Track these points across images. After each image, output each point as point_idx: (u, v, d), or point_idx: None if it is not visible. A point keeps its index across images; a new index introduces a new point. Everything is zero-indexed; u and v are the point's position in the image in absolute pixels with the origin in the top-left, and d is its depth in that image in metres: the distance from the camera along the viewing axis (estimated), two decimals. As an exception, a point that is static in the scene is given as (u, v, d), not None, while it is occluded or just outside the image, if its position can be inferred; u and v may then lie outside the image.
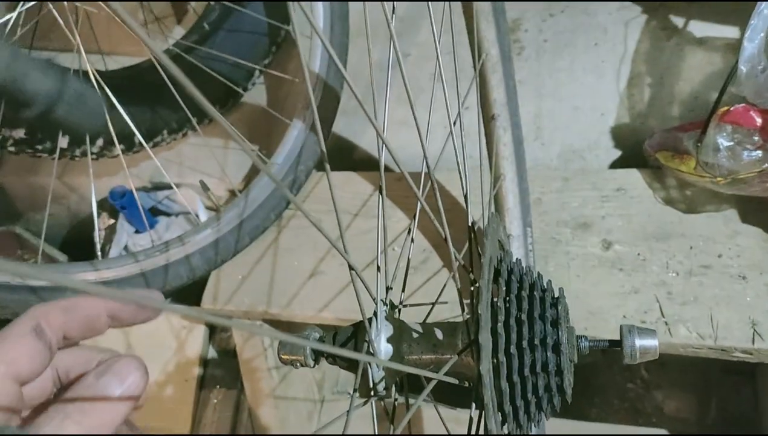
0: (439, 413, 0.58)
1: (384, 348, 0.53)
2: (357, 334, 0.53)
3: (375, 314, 0.53)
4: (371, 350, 0.51)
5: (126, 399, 0.40)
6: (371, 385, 0.50)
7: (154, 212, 1.51)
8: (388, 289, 0.57)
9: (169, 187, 1.46)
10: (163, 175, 1.32)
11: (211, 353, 1.37)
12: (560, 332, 0.48)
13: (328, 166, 0.44)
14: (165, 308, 0.55)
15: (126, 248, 1.44)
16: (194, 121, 1.33)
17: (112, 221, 1.52)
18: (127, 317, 0.47)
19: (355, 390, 0.38)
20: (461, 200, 1.18)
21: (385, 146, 0.45)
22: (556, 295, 0.52)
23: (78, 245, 1.66)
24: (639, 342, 0.49)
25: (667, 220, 1.06)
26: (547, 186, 1.16)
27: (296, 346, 0.57)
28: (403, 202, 1.24)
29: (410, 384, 0.60)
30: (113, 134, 1.16)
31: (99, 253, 1.22)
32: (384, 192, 0.53)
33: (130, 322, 0.47)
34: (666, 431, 1.20)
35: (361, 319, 0.54)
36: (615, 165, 1.23)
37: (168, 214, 1.51)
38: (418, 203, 0.63)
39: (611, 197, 1.11)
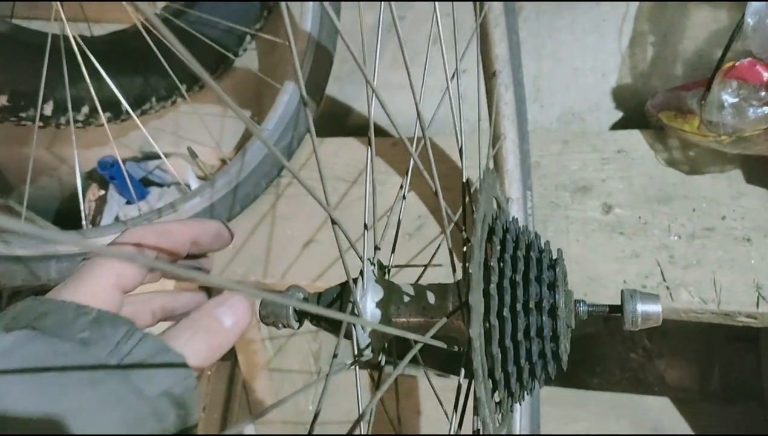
0: (430, 380, 0.56)
1: (370, 309, 0.50)
2: (343, 294, 0.51)
3: (361, 273, 0.50)
4: (356, 312, 0.48)
5: (235, 330, 0.44)
6: (356, 349, 0.48)
7: (146, 183, 1.47)
8: (376, 248, 0.54)
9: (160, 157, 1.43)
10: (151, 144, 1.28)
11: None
12: (557, 296, 0.45)
13: (313, 132, 0.41)
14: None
15: (117, 219, 1.41)
16: (183, 88, 1.29)
17: (102, 193, 1.49)
18: (206, 242, 0.52)
19: (335, 355, 0.35)
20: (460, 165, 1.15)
21: (375, 96, 0.41)
22: (555, 256, 0.49)
23: (70, 217, 1.63)
24: (641, 307, 0.46)
25: (670, 182, 1.03)
26: (545, 149, 1.13)
27: (278, 305, 0.54)
28: (399, 168, 1.21)
29: (402, 350, 0.57)
30: (96, 102, 1.12)
31: (84, 223, 1.19)
32: (373, 144, 0.50)
33: (209, 248, 0.53)
34: (668, 399, 1.18)
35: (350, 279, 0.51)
36: (616, 127, 1.20)
37: (160, 185, 1.48)
38: (411, 160, 0.60)
39: (612, 160, 1.08)
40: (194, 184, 1.36)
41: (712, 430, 1.14)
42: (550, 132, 1.17)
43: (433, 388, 0.57)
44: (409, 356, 0.40)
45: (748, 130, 0.90)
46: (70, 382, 0.35)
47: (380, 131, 1.36)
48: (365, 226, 0.52)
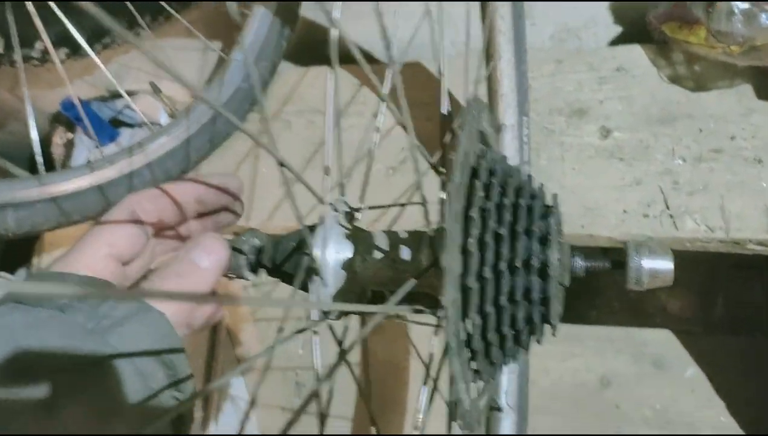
0: (414, 346, 0.49)
1: (332, 262, 0.43)
2: (302, 243, 0.44)
3: (322, 220, 0.43)
4: (316, 265, 0.42)
5: (212, 270, 0.44)
6: (317, 303, 0.41)
7: (116, 123, 1.38)
8: (341, 191, 0.47)
9: (130, 94, 1.34)
10: (119, 82, 1.19)
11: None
12: (549, 251, 0.38)
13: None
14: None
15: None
16: (146, 20, 1.18)
17: (70, 136, 1.41)
18: (211, 200, 0.51)
19: (288, 300, 0.29)
20: (454, 91, 1.06)
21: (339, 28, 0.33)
22: (549, 202, 0.41)
23: (47, 163, 1.55)
24: (648, 264, 0.39)
25: (673, 100, 0.94)
26: (537, 70, 1.03)
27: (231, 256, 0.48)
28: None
29: (378, 295, 0.51)
30: (45, 37, 1.02)
31: (41, 167, 1.11)
32: (337, 65, 0.42)
33: (215, 205, 0.52)
34: (669, 332, 1.13)
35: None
36: (615, 43, 1.10)
37: (131, 125, 1.40)
38: (385, 88, 0.52)
39: (610, 78, 0.99)
40: (166, 123, 1.28)
41: (716, 363, 1.10)
42: (542, 51, 1.07)
43: (415, 349, 0.51)
44: (370, 326, 0.34)
45: (759, 39, 0.81)
46: (46, 349, 0.35)
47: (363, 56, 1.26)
48: (326, 170, 0.45)
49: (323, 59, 1.28)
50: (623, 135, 0.95)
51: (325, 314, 0.43)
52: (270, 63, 1.13)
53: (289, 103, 1.18)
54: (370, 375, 1.24)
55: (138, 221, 0.47)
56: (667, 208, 0.88)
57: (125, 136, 1.37)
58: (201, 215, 0.54)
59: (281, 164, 0.36)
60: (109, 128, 1.33)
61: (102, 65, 1.10)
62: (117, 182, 1.05)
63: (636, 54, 0.99)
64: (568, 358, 1.16)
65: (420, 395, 0.41)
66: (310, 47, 1.32)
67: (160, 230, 0.51)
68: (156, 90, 1.10)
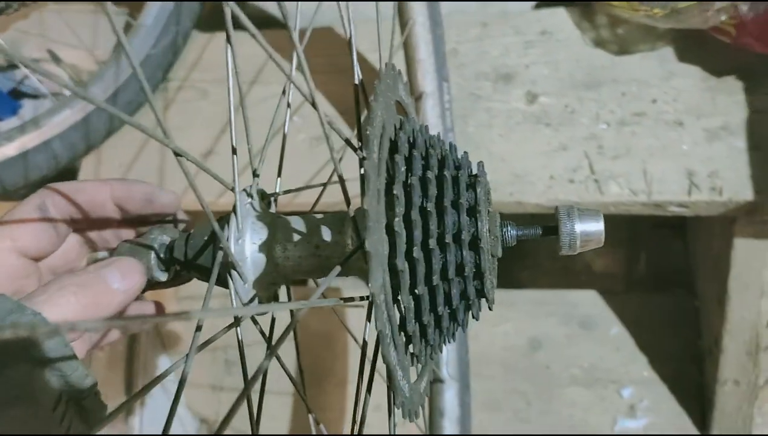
0: (348, 330, 0.47)
1: (250, 254, 0.40)
2: (215, 236, 0.40)
3: (234, 209, 0.40)
4: (232, 260, 0.38)
5: (122, 294, 0.41)
6: (234, 305, 0.38)
7: (17, 95, 1.28)
8: (255, 175, 0.43)
9: (32, 62, 1.23)
10: (17, 50, 1.10)
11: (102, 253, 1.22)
12: (479, 223, 0.36)
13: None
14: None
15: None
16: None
17: (-35, 109, 1.29)
18: (134, 207, 0.46)
19: (202, 310, 0.26)
20: (371, 57, 1.02)
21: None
22: (475, 171, 0.39)
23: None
24: (580, 227, 0.38)
25: (598, 64, 0.94)
26: (463, 34, 1.01)
27: (136, 252, 0.44)
28: (310, 65, 1.07)
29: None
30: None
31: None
32: (231, 34, 0.38)
33: (140, 212, 0.47)
34: (595, 290, 1.16)
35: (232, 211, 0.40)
36: (541, 5, 1.09)
37: (35, 97, 1.29)
38: (294, 54, 0.48)
39: (536, 42, 0.98)
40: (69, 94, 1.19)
41: (639, 321, 1.14)
42: (467, 14, 1.05)
43: (348, 331, 0.49)
44: (292, 324, 0.31)
45: (681, 2, 0.81)
46: None
47: (278, 22, 1.20)
48: (233, 148, 0.41)
49: (238, 23, 1.21)
50: (549, 100, 0.94)
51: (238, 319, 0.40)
52: (183, 28, 1.06)
53: (205, 70, 1.12)
54: (302, 348, 1.21)
55: (47, 215, 0.44)
56: (593, 172, 0.88)
57: (28, 108, 1.27)
58: (133, 225, 0.49)
59: (176, 154, 0.32)
60: (9, 100, 1.23)
61: (-5, 31, 1.01)
62: (13, 161, 0.98)
63: (560, 17, 0.98)
64: (499, 323, 1.17)
65: (358, 370, 0.39)
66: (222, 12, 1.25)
67: (79, 229, 0.47)
68: (55, 58, 1.02)
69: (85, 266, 0.45)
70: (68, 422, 0.35)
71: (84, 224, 0.46)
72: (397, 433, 0.40)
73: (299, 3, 0.49)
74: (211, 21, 1.21)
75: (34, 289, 0.43)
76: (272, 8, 1.22)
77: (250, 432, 0.38)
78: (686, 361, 1.11)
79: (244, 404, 0.38)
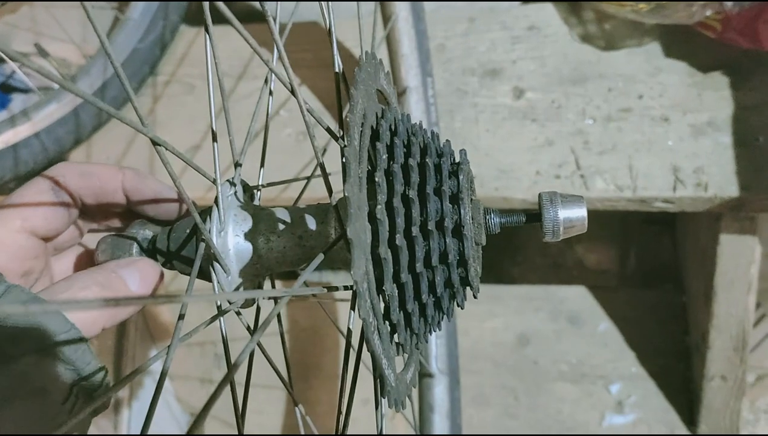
0: (333, 321, 0.47)
1: (234, 245, 0.40)
2: (198, 229, 0.40)
3: (216, 201, 0.39)
4: (214, 252, 0.38)
5: (139, 295, 0.41)
6: (217, 296, 0.37)
7: (6, 89, 1.27)
8: (237, 165, 0.43)
9: (21, 57, 1.22)
10: (5, 43, 1.08)
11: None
12: (462, 210, 0.36)
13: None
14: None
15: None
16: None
17: (-49, 105, 1.28)
18: (140, 197, 0.46)
19: (185, 295, 0.26)
20: (356, 53, 1.02)
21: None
22: (458, 159, 0.39)
23: None
24: (563, 213, 0.38)
25: (584, 60, 0.94)
26: (450, 29, 1.01)
27: (119, 246, 0.43)
28: (293, 60, 1.07)
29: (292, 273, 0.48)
30: None
31: None
32: (209, 22, 0.38)
33: (142, 206, 0.46)
34: (583, 286, 1.16)
35: (214, 204, 0.40)
36: (528, 1, 1.09)
37: (25, 91, 1.28)
38: (274, 49, 0.48)
39: (523, 38, 0.98)
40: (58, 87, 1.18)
41: (627, 317, 1.14)
42: (454, 9, 1.05)
43: (333, 322, 0.48)
44: (275, 311, 0.31)
45: (667, -2, 0.82)
46: None
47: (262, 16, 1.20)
48: (213, 136, 0.41)
49: (222, 17, 1.21)
50: (536, 95, 0.94)
51: (230, 303, 0.39)
52: (171, 22, 1.06)
53: (192, 65, 1.11)
54: (291, 344, 1.21)
55: (60, 197, 0.43)
56: (578, 168, 0.89)
57: (18, 102, 1.26)
58: (136, 216, 0.49)
59: (155, 144, 0.32)
60: (-2, 94, 1.22)
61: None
62: (2, 154, 0.97)
63: (548, 13, 0.99)
64: (487, 318, 1.17)
65: (342, 365, 0.39)
66: (210, 5, 1.24)
67: (87, 211, 0.47)
68: (42, 52, 1.01)
69: (98, 258, 0.44)
70: (76, 413, 0.35)
71: (92, 207, 0.46)
72: (387, 429, 0.40)
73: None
74: (199, 15, 1.21)
75: (41, 268, 0.44)
76: (256, 2, 1.22)
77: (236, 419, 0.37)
78: (674, 357, 1.11)
79: (232, 398, 0.38)
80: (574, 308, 1.15)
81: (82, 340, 0.35)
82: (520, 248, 1.28)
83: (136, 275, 0.41)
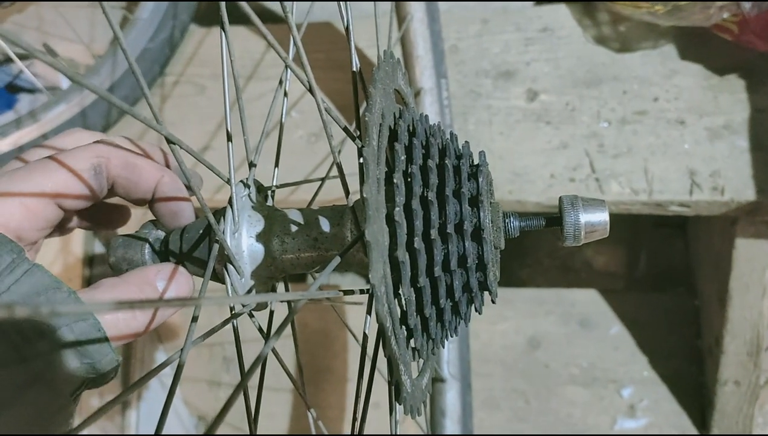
0: (346, 325, 0.46)
1: (247, 247, 0.39)
2: (211, 230, 0.39)
3: (230, 201, 0.39)
4: (228, 253, 0.37)
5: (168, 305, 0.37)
6: (232, 298, 0.37)
7: (13, 89, 1.27)
8: (251, 166, 0.43)
9: (24, 58, 1.23)
10: (15, 43, 1.09)
11: (98, 247, 1.22)
12: (482, 213, 0.36)
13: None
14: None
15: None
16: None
17: (-38, 104, 1.29)
18: (165, 204, 0.44)
19: (198, 298, 0.25)
20: (369, 53, 1.01)
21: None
22: (476, 161, 0.39)
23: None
24: (584, 217, 0.37)
25: (599, 62, 0.94)
26: (463, 30, 1.00)
27: (131, 247, 0.43)
28: (309, 61, 1.06)
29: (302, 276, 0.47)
30: None
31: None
32: (225, 20, 0.37)
33: (163, 207, 0.44)
34: (595, 289, 1.15)
35: (227, 206, 0.40)
36: (541, 1, 1.08)
37: (31, 91, 1.29)
38: (291, 48, 0.47)
39: (536, 39, 0.97)
40: (66, 87, 1.18)
41: (639, 320, 1.13)
42: (467, 10, 1.04)
43: (347, 327, 0.48)
44: (289, 318, 0.30)
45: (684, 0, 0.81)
46: None
47: (278, 16, 1.20)
48: (228, 136, 0.40)
49: (242, 18, 1.21)
50: (550, 98, 0.93)
51: (243, 306, 0.39)
52: (181, 22, 1.06)
53: (202, 65, 1.11)
54: (301, 346, 1.20)
55: (99, 179, 0.41)
56: (593, 171, 0.88)
57: (24, 102, 1.26)
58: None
59: (169, 142, 0.32)
60: (5, 94, 1.22)
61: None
62: (8, 156, 0.97)
63: (562, 14, 0.98)
64: (498, 321, 1.16)
65: (357, 368, 0.38)
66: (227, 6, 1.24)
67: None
68: (51, 52, 1.01)
69: (109, 258, 0.43)
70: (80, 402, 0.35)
71: (112, 193, 0.44)
72: (398, 431, 0.39)
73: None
74: (209, 15, 1.21)
75: (37, 240, 0.41)
76: (268, 3, 1.22)
77: (248, 429, 0.37)
78: (686, 360, 1.10)
79: (243, 401, 0.37)
80: (585, 311, 1.14)
81: (105, 339, 0.34)
82: (529, 250, 1.27)
83: (172, 286, 0.40)
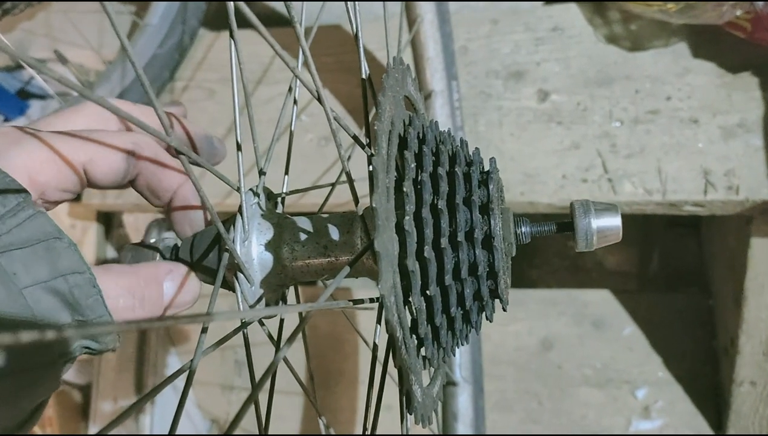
0: (358, 331, 0.46)
1: (257, 255, 0.39)
2: (221, 238, 0.39)
3: (240, 210, 0.39)
4: (238, 262, 0.37)
5: (176, 309, 0.40)
6: (241, 308, 0.37)
7: (24, 95, 1.28)
8: (261, 173, 0.42)
9: (40, 63, 1.23)
10: (23, 50, 1.10)
11: (110, 252, 1.22)
12: (492, 221, 0.35)
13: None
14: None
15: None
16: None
17: (-25, 110, 1.30)
18: (181, 213, 0.43)
19: (208, 313, 0.25)
20: (379, 56, 1.01)
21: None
22: (487, 167, 0.38)
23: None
24: (596, 223, 0.37)
25: (610, 61, 0.93)
26: (473, 31, 1.00)
27: (143, 256, 0.43)
28: (315, 65, 1.06)
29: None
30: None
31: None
32: (234, 26, 0.37)
33: (180, 217, 0.44)
34: (608, 289, 1.14)
35: (237, 213, 0.40)
36: (552, 1, 1.08)
37: (42, 97, 1.30)
38: (300, 51, 0.47)
39: (547, 39, 0.97)
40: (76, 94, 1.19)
41: (653, 320, 1.12)
42: (477, 11, 1.03)
43: (358, 333, 0.48)
44: (300, 327, 0.30)
45: (696, -3, 0.80)
46: None
47: (287, 18, 1.19)
48: (238, 145, 0.40)
49: (243, 22, 1.21)
50: (561, 98, 0.93)
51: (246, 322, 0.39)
52: (190, 27, 1.06)
53: (211, 70, 1.11)
54: (311, 350, 1.20)
55: (129, 163, 0.40)
56: (606, 171, 0.87)
57: (36, 108, 1.27)
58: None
59: (178, 152, 0.31)
60: (16, 100, 1.23)
61: None
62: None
63: (572, 13, 0.97)
64: (510, 322, 1.16)
65: (368, 370, 0.38)
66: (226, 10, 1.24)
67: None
68: (62, 59, 1.01)
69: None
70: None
71: (129, 185, 0.43)
72: (409, 433, 0.39)
73: (304, 3, 0.48)
74: (218, 19, 1.21)
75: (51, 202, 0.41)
76: (278, 6, 1.22)
77: (258, 432, 0.37)
78: (701, 361, 1.09)
79: (254, 406, 0.37)
80: (598, 311, 1.13)
81: (93, 287, 0.34)
82: (538, 250, 1.27)
83: (178, 288, 0.40)
